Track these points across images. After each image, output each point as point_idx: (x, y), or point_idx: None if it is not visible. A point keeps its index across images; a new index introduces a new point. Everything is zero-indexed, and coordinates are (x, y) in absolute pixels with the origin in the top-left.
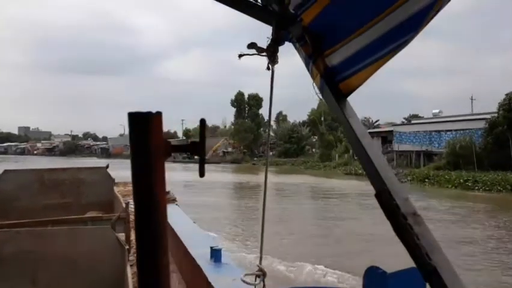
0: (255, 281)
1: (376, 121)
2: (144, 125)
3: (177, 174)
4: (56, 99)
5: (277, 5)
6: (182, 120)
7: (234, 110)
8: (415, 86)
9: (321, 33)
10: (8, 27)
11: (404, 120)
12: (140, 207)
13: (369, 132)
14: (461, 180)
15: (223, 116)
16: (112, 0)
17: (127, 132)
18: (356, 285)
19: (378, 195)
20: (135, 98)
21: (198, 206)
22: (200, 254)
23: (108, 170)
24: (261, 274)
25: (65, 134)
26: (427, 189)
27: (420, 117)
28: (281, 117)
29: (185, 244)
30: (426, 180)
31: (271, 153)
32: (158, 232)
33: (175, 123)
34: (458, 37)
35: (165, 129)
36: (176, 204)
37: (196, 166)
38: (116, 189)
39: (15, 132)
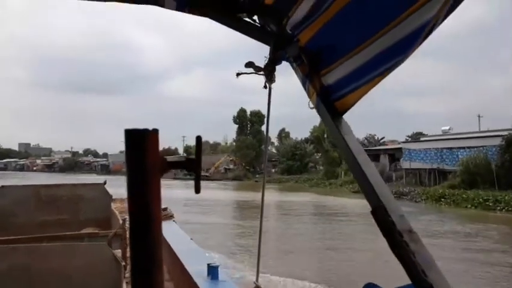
0: None
1: (382, 138)
2: (140, 142)
3: (178, 192)
4: (57, 116)
5: (275, 26)
6: (184, 136)
7: (235, 127)
8: (412, 104)
9: (318, 53)
10: (9, 44)
11: (408, 138)
12: (136, 224)
13: (376, 150)
14: (481, 200)
15: (224, 133)
16: (113, 21)
17: None
18: None
19: (374, 212)
20: (136, 116)
21: (202, 229)
22: (197, 271)
23: (106, 186)
24: None
25: (66, 151)
26: (444, 210)
27: (424, 134)
28: (284, 134)
29: (182, 261)
30: (442, 199)
31: (273, 170)
32: (153, 249)
33: (176, 140)
34: (456, 56)
35: (166, 146)
36: (174, 221)
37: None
38: (113, 205)
39: (16, 148)
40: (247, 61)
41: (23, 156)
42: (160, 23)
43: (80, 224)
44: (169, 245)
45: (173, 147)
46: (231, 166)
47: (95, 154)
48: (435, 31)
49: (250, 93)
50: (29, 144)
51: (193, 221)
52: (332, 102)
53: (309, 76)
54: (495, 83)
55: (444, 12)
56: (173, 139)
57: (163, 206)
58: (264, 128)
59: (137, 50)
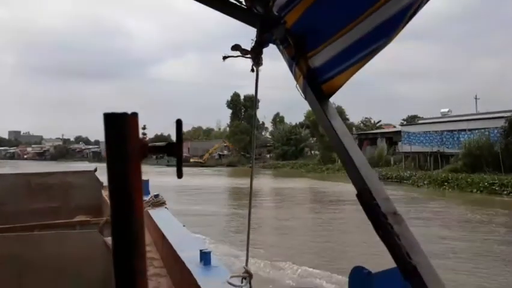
0: (242, 283)
1: (378, 121)
2: (120, 126)
3: (170, 180)
4: (48, 103)
5: (261, 7)
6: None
7: (229, 112)
8: (403, 88)
9: (304, 35)
10: None
11: (403, 122)
12: (117, 210)
13: (374, 133)
14: (486, 184)
15: (217, 119)
16: (104, 5)
17: None
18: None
19: (359, 195)
20: (128, 101)
21: (200, 221)
22: (189, 257)
23: (97, 174)
24: (247, 276)
25: (57, 138)
26: (448, 195)
27: (420, 117)
28: (278, 119)
29: (175, 247)
30: (446, 184)
31: (268, 155)
32: (135, 236)
33: (169, 127)
34: (447, 40)
35: (159, 132)
36: (166, 208)
37: (192, 170)
38: (104, 193)
39: (6, 136)
40: (243, 44)
41: (13, 145)
42: (151, 6)
43: (71, 212)
44: (162, 232)
45: (166, 134)
46: (225, 152)
47: (87, 141)
48: (422, 14)
49: (244, 78)
50: (19, 132)
51: (188, 211)
52: (318, 84)
53: (296, 59)
54: (488, 66)
55: None
56: (166, 125)
57: (155, 193)
58: (258, 112)
59: (129, 35)
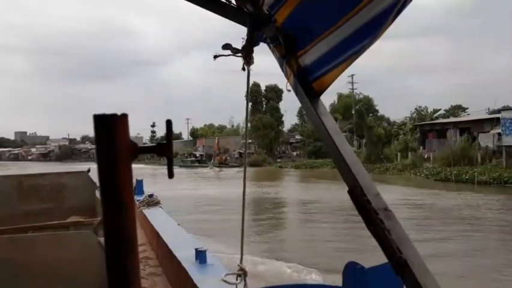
0: (237, 280)
1: (437, 110)
2: (109, 127)
3: (186, 186)
4: (55, 104)
5: (251, 6)
6: (188, 119)
7: (242, 109)
8: (414, 83)
9: (294, 33)
10: (7, 32)
11: (445, 113)
12: (108, 211)
13: (443, 123)
14: None
15: (230, 116)
16: (112, 6)
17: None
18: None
19: (350, 192)
20: (137, 101)
21: None
22: (185, 256)
23: (90, 174)
24: (242, 273)
25: (63, 138)
26: None
27: (465, 108)
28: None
29: (171, 247)
30: None
31: (294, 153)
32: (126, 236)
33: (179, 125)
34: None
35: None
36: (160, 207)
37: (208, 172)
38: (98, 193)
39: (12, 137)
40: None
41: (19, 145)
42: (158, 7)
43: (64, 213)
44: (157, 231)
45: (177, 132)
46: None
47: (93, 141)
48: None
49: (258, 73)
50: (25, 132)
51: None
52: (309, 83)
53: (286, 57)
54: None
55: None
56: (176, 124)
57: (150, 193)
58: (281, 105)
59: (135, 35)
